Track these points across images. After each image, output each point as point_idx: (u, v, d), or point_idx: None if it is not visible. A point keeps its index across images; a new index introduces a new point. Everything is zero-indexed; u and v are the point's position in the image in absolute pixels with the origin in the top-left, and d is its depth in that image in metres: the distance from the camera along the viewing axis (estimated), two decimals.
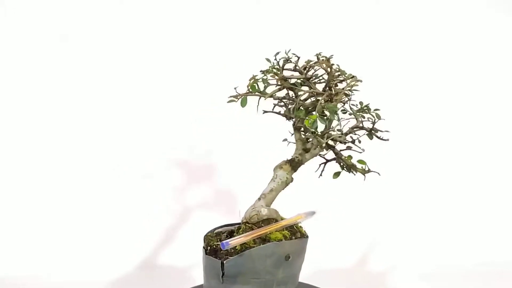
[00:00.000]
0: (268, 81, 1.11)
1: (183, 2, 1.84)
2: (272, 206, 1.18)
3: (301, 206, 1.22)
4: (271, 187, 1.17)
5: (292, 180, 1.21)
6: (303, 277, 1.18)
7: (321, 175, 1.28)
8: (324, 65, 1.20)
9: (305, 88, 1.15)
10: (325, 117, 1.10)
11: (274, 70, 1.16)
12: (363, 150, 1.25)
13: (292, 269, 1.10)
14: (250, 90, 1.09)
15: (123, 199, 1.72)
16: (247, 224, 1.12)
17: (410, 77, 1.90)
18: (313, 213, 1.21)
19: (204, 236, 1.14)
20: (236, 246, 1.06)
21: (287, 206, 1.22)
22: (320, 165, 1.28)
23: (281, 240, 1.08)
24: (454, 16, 1.95)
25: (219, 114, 1.59)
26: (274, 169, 1.20)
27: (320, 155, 1.27)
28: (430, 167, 1.89)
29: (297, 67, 1.17)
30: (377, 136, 1.23)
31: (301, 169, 1.25)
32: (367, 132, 1.22)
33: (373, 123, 1.19)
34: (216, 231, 1.17)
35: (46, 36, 1.75)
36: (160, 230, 1.67)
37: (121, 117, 1.78)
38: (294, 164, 1.21)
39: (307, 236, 1.15)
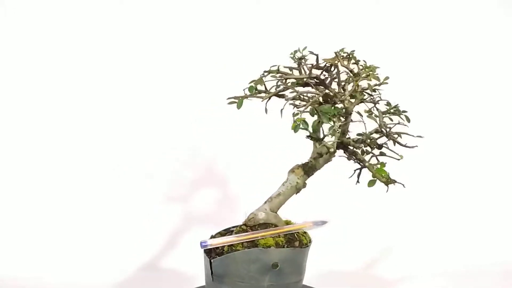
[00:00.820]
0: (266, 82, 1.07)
1: (183, 2, 1.82)
2: (282, 210, 1.15)
3: (314, 214, 1.15)
4: (280, 191, 1.14)
5: (304, 185, 1.15)
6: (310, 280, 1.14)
7: (358, 181, 1.18)
8: (345, 62, 1.11)
9: (300, 88, 1.08)
10: (319, 121, 1.02)
11: (285, 70, 1.12)
12: (401, 156, 1.11)
13: (282, 279, 1.05)
14: (248, 92, 1.07)
15: (124, 199, 1.70)
16: (242, 227, 1.11)
17: (418, 79, 1.84)
18: (323, 222, 1.12)
19: (216, 233, 1.17)
20: (224, 247, 1.07)
21: (300, 213, 1.16)
22: (355, 171, 1.19)
23: (269, 247, 1.05)
24: (463, 17, 1.92)
25: (219, 114, 1.53)
26: (288, 173, 1.16)
27: (355, 160, 1.18)
28: (438, 170, 1.83)
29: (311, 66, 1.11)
30: (399, 143, 1.08)
31: (325, 174, 1.18)
32: (385, 138, 1.08)
33: (386, 127, 1.05)
34: (231, 229, 1.18)
35: (46, 36, 1.77)
36: (162, 230, 1.65)
37: (121, 117, 1.78)
38: (307, 168, 1.14)
39: (306, 246, 1.08)
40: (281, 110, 1.02)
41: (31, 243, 1.61)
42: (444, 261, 1.63)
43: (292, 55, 1.13)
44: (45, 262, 1.56)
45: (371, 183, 1.12)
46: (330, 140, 1.07)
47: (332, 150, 1.07)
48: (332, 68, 1.12)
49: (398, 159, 1.10)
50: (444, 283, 1.52)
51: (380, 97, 1.14)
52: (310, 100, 1.03)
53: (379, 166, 1.12)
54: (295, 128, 0.99)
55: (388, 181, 1.09)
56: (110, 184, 1.71)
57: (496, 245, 1.70)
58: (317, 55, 1.12)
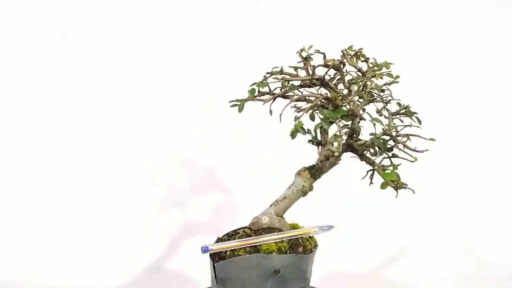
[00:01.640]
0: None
1: (183, 2, 1.79)
2: (289, 214, 1.12)
3: (322, 217, 1.12)
4: (285, 194, 1.11)
5: (311, 189, 1.11)
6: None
7: (371, 182, 1.14)
8: (353, 60, 1.06)
9: (303, 90, 1.04)
10: (320, 125, 0.98)
11: (290, 69, 1.08)
12: (415, 158, 1.05)
13: (285, 285, 1.03)
14: (249, 94, 1.04)
15: (123, 199, 1.69)
16: (246, 231, 1.10)
17: (418, 79, 1.75)
18: (330, 227, 1.09)
19: (223, 234, 1.16)
20: (226, 251, 1.06)
21: (307, 216, 1.13)
22: (367, 172, 1.14)
23: (271, 252, 1.03)
24: (464, 17, 1.91)
25: (219, 114, 1.47)
26: (295, 175, 1.13)
27: (366, 161, 1.13)
28: (444, 172, 1.79)
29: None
30: (407, 147, 1.02)
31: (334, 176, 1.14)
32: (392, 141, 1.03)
33: (392, 130, 0.99)
34: (239, 230, 1.17)
35: (46, 36, 1.76)
36: (164, 231, 1.63)
37: (121, 117, 1.77)
38: (314, 171, 1.11)
39: (310, 252, 1.06)
40: (280, 115, 0.98)
41: (34, 245, 1.60)
42: (450, 264, 1.60)
43: (298, 53, 1.09)
44: (46, 264, 1.55)
45: (383, 186, 1.07)
46: (335, 142, 1.03)
47: (336, 154, 1.03)
48: (341, 66, 1.07)
49: (412, 161, 1.05)
50: (451, 286, 1.50)
51: (391, 96, 1.08)
52: (311, 103, 0.99)
53: (391, 168, 1.06)
54: (293, 134, 0.95)
55: (398, 186, 1.03)
56: (110, 185, 1.70)
57: (499, 247, 1.67)
58: (323, 54, 1.07)
